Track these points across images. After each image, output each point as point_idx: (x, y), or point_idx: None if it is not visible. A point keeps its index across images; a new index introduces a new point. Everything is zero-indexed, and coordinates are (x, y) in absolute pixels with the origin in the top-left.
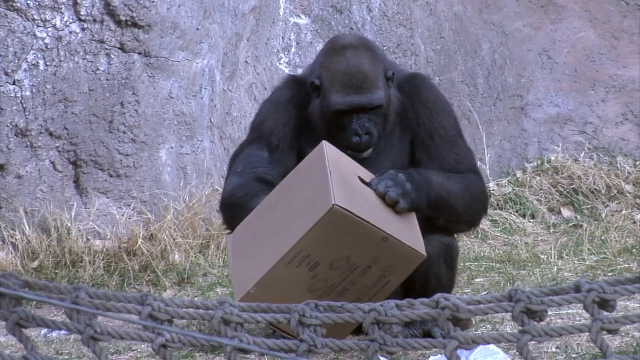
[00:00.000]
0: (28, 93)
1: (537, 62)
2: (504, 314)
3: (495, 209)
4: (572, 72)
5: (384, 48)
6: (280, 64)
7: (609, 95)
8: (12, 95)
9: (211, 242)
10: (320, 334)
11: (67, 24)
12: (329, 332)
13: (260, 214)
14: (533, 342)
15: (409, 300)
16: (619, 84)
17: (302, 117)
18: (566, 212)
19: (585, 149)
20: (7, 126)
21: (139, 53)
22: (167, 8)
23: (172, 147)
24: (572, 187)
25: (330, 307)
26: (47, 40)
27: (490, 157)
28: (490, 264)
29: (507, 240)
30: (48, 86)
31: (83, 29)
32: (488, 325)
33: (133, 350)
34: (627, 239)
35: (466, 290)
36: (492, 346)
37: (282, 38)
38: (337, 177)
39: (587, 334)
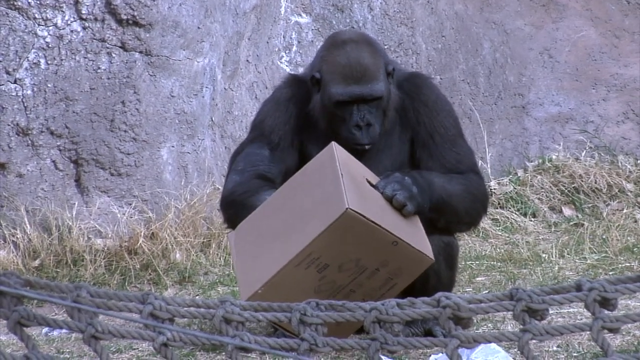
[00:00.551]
0: (29, 92)
1: (538, 61)
2: (505, 312)
3: (497, 208)
4: (574, 71)
5: (385, 47)
6: (281, 62)
7: (610, 94)
8: (14, 94)
9: (212, 241)
10: (322, 332)
11: (69, 22)
12: (331, 333)
13: (265, 213)
14: (534, 341)
15: (410, 299)
16: (620, 82)
17: (302, 115)
18: (567, 211)
19: (587, 148)
20: (9, 125)
21: (140, 52)
22: (168, 7)
23: (173, 146)
24: (573, 186)
25: (331, 306)
26: (48, 39)
27: (491, 156)
28: (492, 262)
29: (508, 239)
30: (49, 85)
31: (84, 28)
32: (489, 324)
33: (134, 349)
34: (629, 238)
35: (467, 289)
36: (493, 345)
37: (283, 37)
38: (348, 180)
39: (588, 332)
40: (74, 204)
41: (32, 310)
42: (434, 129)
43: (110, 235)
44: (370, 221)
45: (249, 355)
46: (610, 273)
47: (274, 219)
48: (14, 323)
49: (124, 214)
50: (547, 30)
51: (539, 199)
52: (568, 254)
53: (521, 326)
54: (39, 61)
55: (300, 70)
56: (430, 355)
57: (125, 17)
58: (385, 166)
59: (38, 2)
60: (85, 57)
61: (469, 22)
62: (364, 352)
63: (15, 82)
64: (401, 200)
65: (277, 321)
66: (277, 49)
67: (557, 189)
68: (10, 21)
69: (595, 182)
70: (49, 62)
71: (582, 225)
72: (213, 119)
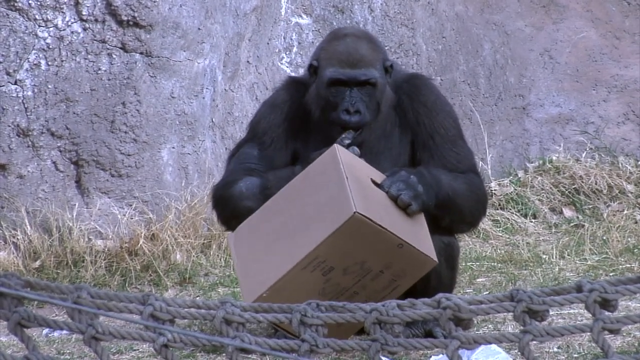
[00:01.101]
0: (30, 93)
1: (539, 62)
2: (505, 314)
3: (497, 209)
4: (574, 72)
5: (386, 48)
6: (281, 64)
7: (610, 95)
8: (14, 95)
9: (213, 242)
10: (322, 333)
11: (69, 23)
12: (332, 334)
13: (267, 215)
14: (535, 342)
15: (410, 300)
16: (620, 84)
17: (298, 118)
18: (568, 212)
19: (587, 149)
20: (9, 126)
21: (141, 53)
22: (169, 8)
23: (173, 147)
24: (573, 187)
25: (331, 307)
26: (48, 40)
27: (492, 157)
28: (492, 264)
29: (508, 240)
30: (50, 86)
31: (85, 29)
32: (490, 325)
33: (135, 350)
34: (629, 239)
35: (468, 290)
36: (493, 346)
37: (284, 38)
38: (353, 183)
39: (588, 334)
40: (75, 205)
41: (32, 312)
42: (434, 130)
43: (110, 236)
44: (377, 224)
45: (250, 356)
46: (611, 274)
47: (276, 222)
48: (14, 324)
49: (124, 215)
50: (548, 32)
51: (539, 200)
52: (568, 255)
53: (522, 327)
54: (39, 62)
55: (301, 71)
56: (430, 357)
57: (125, 18)
58: (386, 168)
59: (38, 3)
60: (85, 58)
61: (469, 23)
62: (365, 353)
63: (15, 83)
64: (406, 200)
65: (278, 322)
66: (277, 50)
67: (558, 190)
68: (10, 22)
69: (596, 183)
70: (49, 63)
71: (583, 226)
72: (213, 120)
